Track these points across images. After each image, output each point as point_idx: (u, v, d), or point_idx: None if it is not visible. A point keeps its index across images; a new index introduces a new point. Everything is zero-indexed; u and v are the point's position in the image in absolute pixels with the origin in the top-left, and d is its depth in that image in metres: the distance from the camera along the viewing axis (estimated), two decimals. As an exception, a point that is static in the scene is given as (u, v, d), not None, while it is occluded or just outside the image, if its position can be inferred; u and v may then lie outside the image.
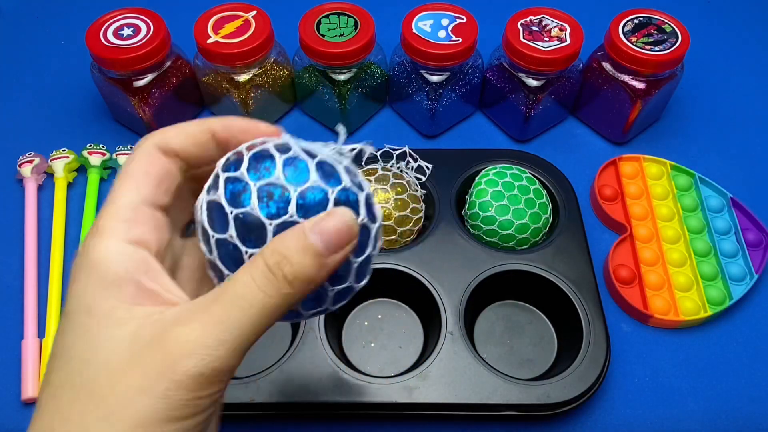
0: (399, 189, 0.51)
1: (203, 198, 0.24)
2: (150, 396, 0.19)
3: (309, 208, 0.23)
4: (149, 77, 0.57)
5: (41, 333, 0.50)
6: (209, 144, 0.26)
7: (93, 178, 0.58)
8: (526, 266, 0.49)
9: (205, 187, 0.25)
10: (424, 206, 0.53)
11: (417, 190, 0.53)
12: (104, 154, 0.59)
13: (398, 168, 0.53)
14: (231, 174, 0.24)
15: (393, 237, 0.51)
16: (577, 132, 0.64)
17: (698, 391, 0.48)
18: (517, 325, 0.50)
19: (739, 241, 0.54)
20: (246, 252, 0.23)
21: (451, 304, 0.47)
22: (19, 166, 0.58)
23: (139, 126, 0.61)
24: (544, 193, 0.53)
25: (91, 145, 0.59)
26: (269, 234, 0.23)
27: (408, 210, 0.51)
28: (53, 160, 0.58)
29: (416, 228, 0.52)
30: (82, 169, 0.60)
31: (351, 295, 0.26)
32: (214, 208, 0.24)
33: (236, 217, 0.23)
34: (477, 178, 0.53)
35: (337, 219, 0.22)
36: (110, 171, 0.60)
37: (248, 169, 0.23)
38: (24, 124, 0.64)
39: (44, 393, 0.21)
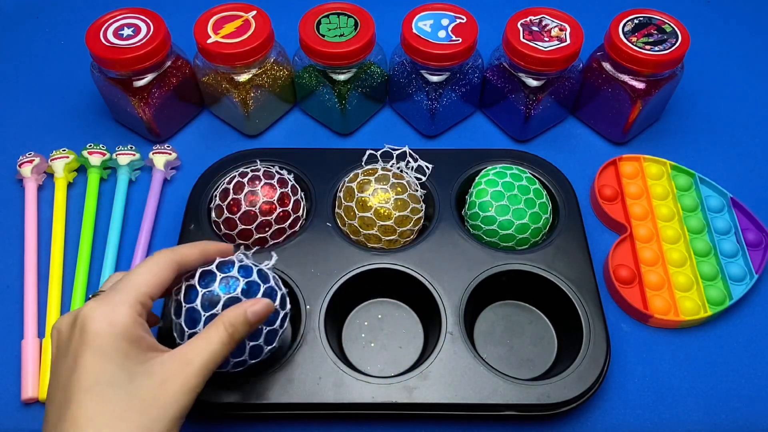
0: (399, 189, 0.51)
1: (183, 283, 0.39)
2: (187, 397, 0.34)
3: (249, 292, 0.39)
4: (149, 77, 0.57)
5: (41, 333, 0.50)
6: (201, 261, 0.40)
7: (93, 178, 0.58)
8: (526, 266, 0.49)
9: (183, 278, 0.39)
10: (424, 206, 0.53)
11: (417, 190, 0.53)
12: (104, 154, 0.59)
13: (398, 168, 0.53)
14: (205, 269, 0.39)
15: (393, 237, 0.51)
16: (577, 132, 0.64)
17: (698, 391, 0.48)
18: (517, 325, 0.50)
19: (739, 241, 0.54)
20: (203, 314, 0.38)
21: (451, 304, 0.47)
22: (19, 166, 0.58)
23: (139, 126, 0.61)
24: (544, 193, 0.53)
25: (91, 145, 0.59)
26: (221, 304, 0.38)
27: (408, 210, 0.51)
28: (53, 160, 0.58)
29: (416, 228, 0.52)
30: (82, 169, 0.60)
31: (263, 354, 0.41)
32: (190, 288, 0.39)
33: (203, 294, 0.38)
34: (477, 178, 0.53)
35: (262, 304, 0.38)
36: (110, 171, 0.60)
37: (216, 268, 0.39)
38: (24, 124, 0.64)
39: (94, 404, 0.32)
